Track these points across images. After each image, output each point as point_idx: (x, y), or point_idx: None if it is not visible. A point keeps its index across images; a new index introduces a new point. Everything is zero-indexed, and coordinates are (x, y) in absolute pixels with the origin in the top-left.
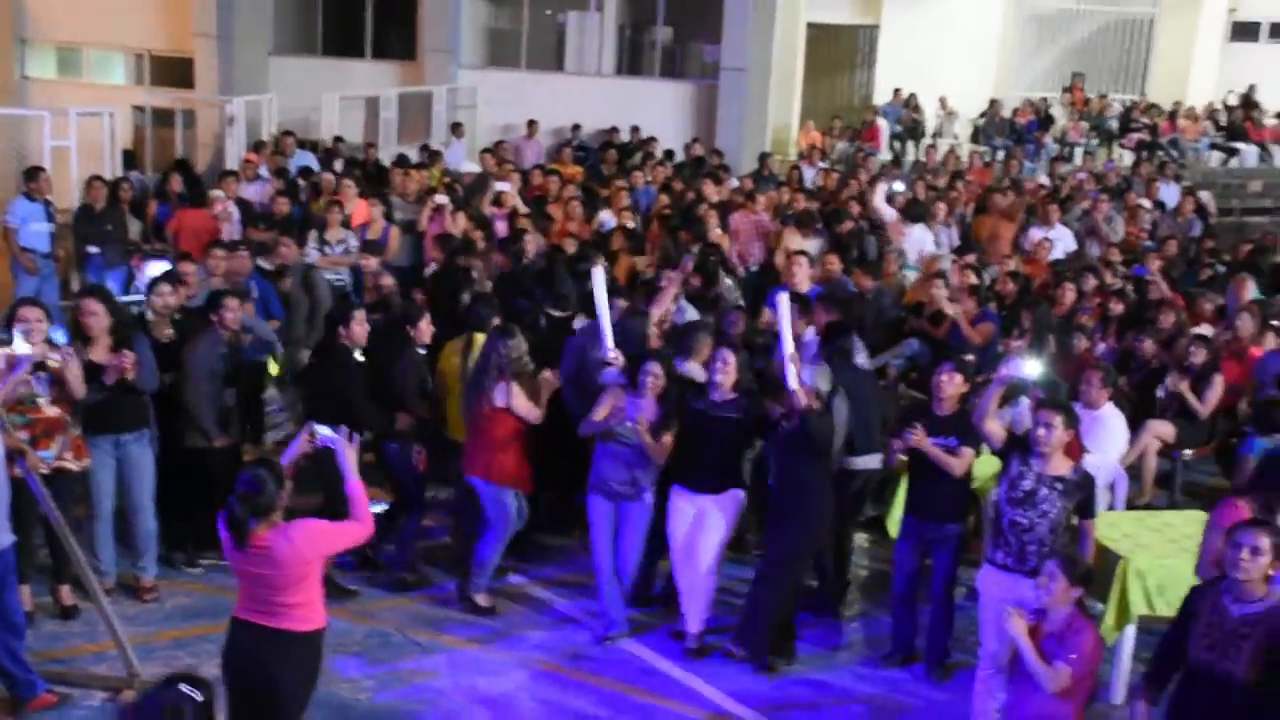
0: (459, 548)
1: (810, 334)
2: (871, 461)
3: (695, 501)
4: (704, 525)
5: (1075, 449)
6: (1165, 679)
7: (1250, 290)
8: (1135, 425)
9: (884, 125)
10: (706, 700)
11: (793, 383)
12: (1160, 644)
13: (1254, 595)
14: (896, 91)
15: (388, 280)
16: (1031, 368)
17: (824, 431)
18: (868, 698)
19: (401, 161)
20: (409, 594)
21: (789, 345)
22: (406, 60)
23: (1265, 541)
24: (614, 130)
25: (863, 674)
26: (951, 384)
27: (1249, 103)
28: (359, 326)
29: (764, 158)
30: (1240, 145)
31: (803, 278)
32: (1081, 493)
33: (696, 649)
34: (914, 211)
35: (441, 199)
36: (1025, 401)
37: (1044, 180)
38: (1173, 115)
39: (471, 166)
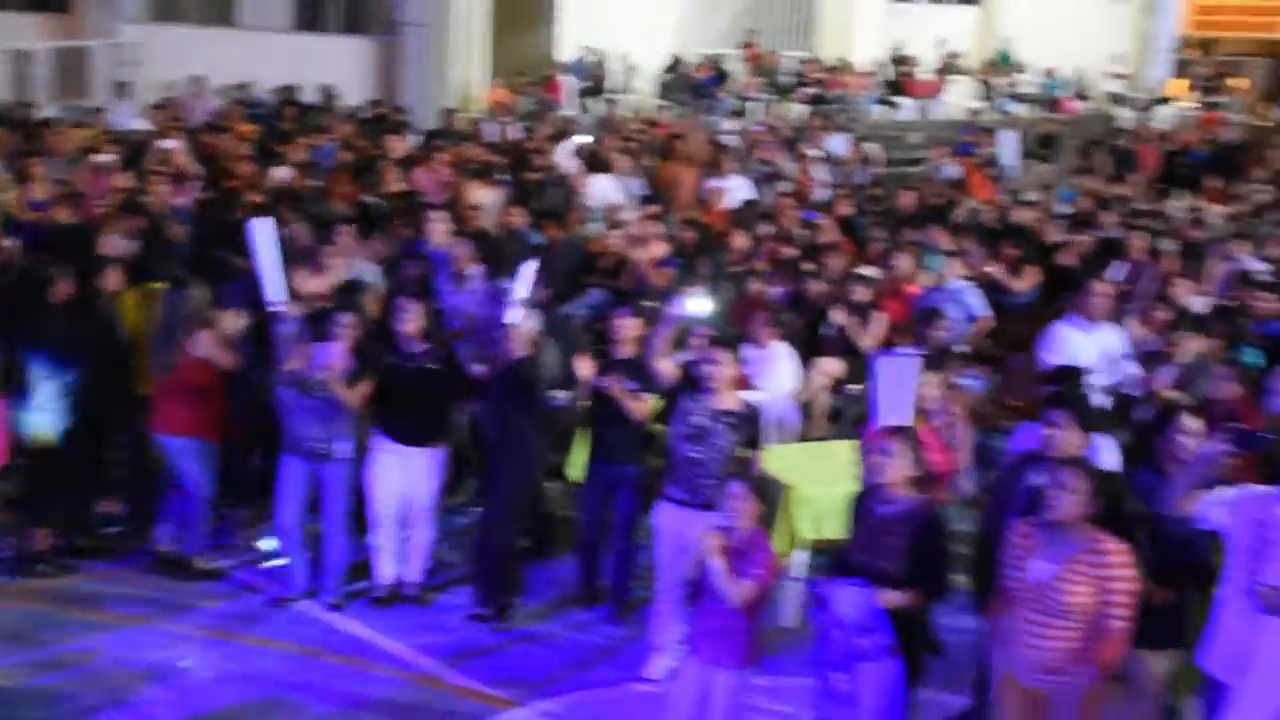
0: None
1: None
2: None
3: (399, 453)
4: (411, 478)
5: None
6: None
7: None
8: (805, 362)
9: (568, 81)
10: (393, 656)
11: (512, 326)
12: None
13: (895, 496)
14: (580, 48)
15: (7, 241)
16: (697, 306)
17: (538, 378)
18: (553, 639)
19: (53, 121)
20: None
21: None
22: (60, 12)
23: (898, 445)
24: (293, 88)
25: (548, 616)
26: (629, 328)
27: (902, 59)
28: None
29: (449, 114)
30: (900, 99)
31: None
32: (750, 426)
33: (385, 598)
34: (597, 163)
35: (104, 157)
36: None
37: (725, 131)
38: (835, 70)
39: (140, 125)
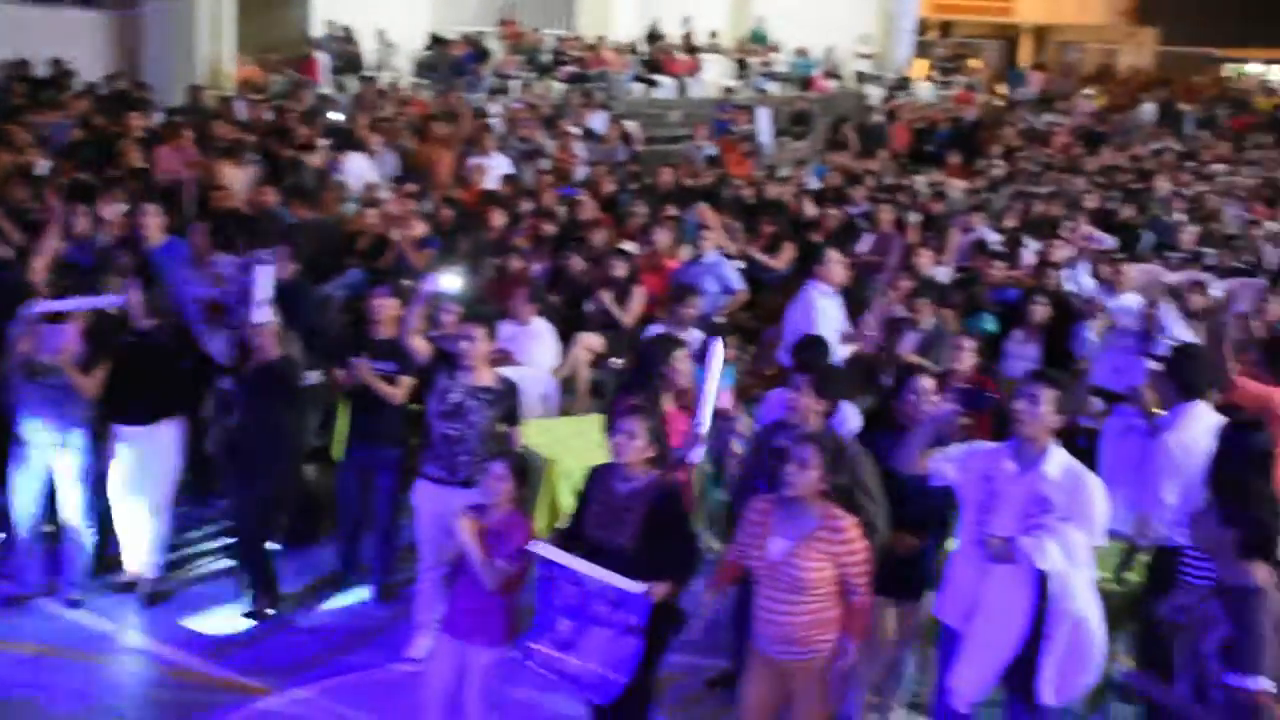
0: None
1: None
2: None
3: (130, 435)
4: (143, 460)
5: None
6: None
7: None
8: (567, 339)
9: (322, 59)
10: (141, 650)
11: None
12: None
13: (635, 474)
14: (329, 24)
15: None
16: (449, 283)
17: (293, 375)
18: (315, 624)
19: None
20: None
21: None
22: None
23: (638, 426)
24: (24, 63)
25: (309, 601)
26: (387, 308)
27: (655, 36)
28: None
29: (195, 91)
30: (660, 78)
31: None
32: (507, 402)
33: (126, 588)
34: (351, 141)
35: None
36: None
37: (489, 112)
38: (594, 48)
39: None
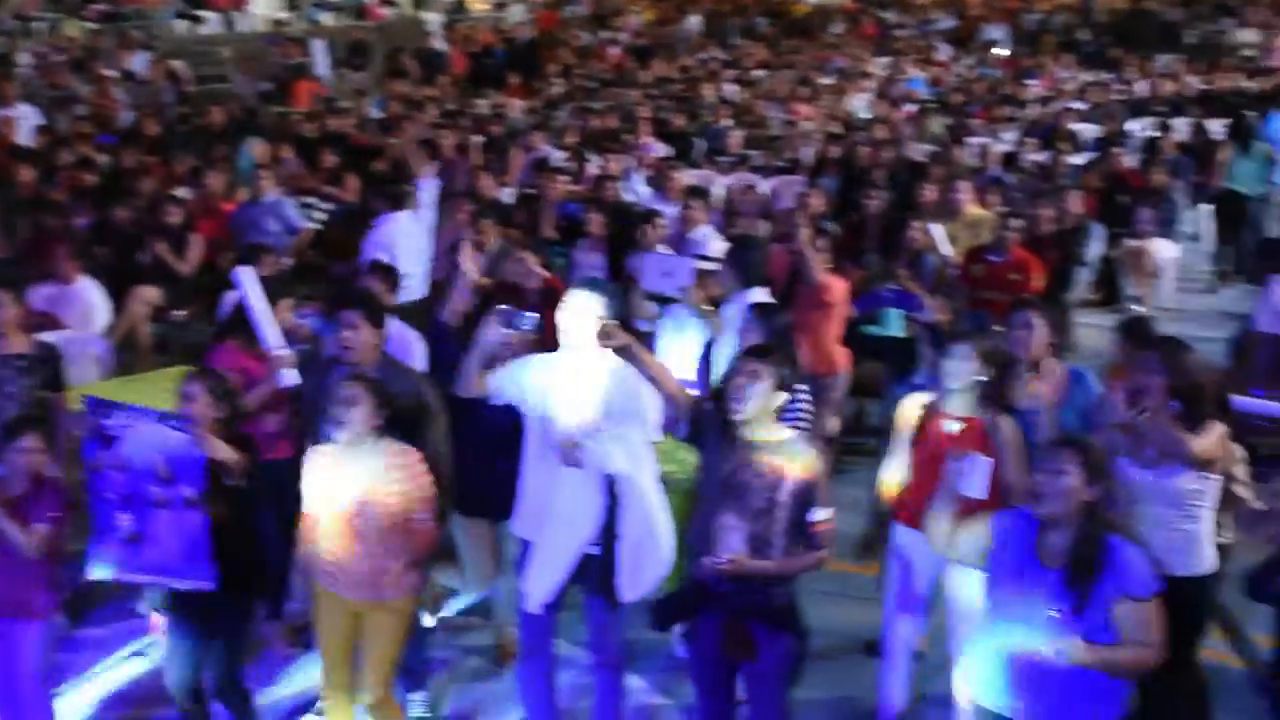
0: None
1: None
2: None
3: None
4: None
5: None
6: None
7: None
8: (121, 294)
9: None
10: None
11: None
12: None
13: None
14: None
15: None
16: None
17: None
18: None
19: None
20: None
21: None
22: None
23: (199, 387)
24: None
25: None
26: None
27: None
28: None
29: None
30: (204, 13)
31: None
32: (46, 368)
33: None
34: None
35: None
36: None
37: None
38: None
39: None
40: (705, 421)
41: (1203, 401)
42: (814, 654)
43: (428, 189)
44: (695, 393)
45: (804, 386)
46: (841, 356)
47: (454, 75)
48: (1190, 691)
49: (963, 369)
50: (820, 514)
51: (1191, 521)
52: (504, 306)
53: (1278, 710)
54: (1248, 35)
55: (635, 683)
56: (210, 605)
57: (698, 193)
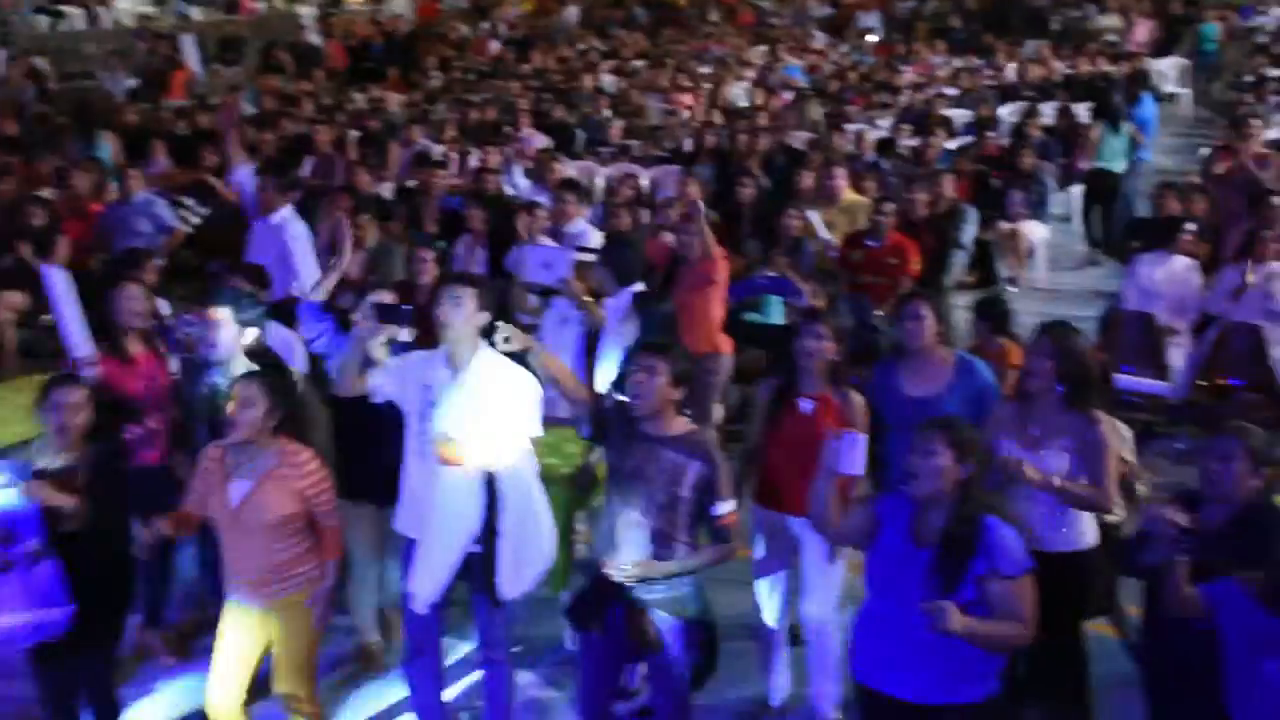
0: None
1: None
2: None
3: None
4: None
5: None
6: None
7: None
8: None
9: None
10: None
11: None
12: None
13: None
14: None
15: None
16: None
17: None
18: None
19: None
20: None
21: None
22: None
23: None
24: None
25: None
26: None
27: None
28: None
29: None
30: (66, 9)
31: None
32: None
33: None
34: None
35: None
36: None
37: None
38: None
39: None
40: (607, 419)
41: (1090, 385)
42: (722, 641)
43: (245, 180)
44: (597, 391)
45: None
46: (724, 338)
47: (330, 69)
48: (1071, 663)
49: (815, 348)
50: (725, 506)
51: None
52: (379, 301)
53: (1148, 676)
54: (1109, 20)
55: (526, 677)
56: (74, 636)
57: (571, 185)
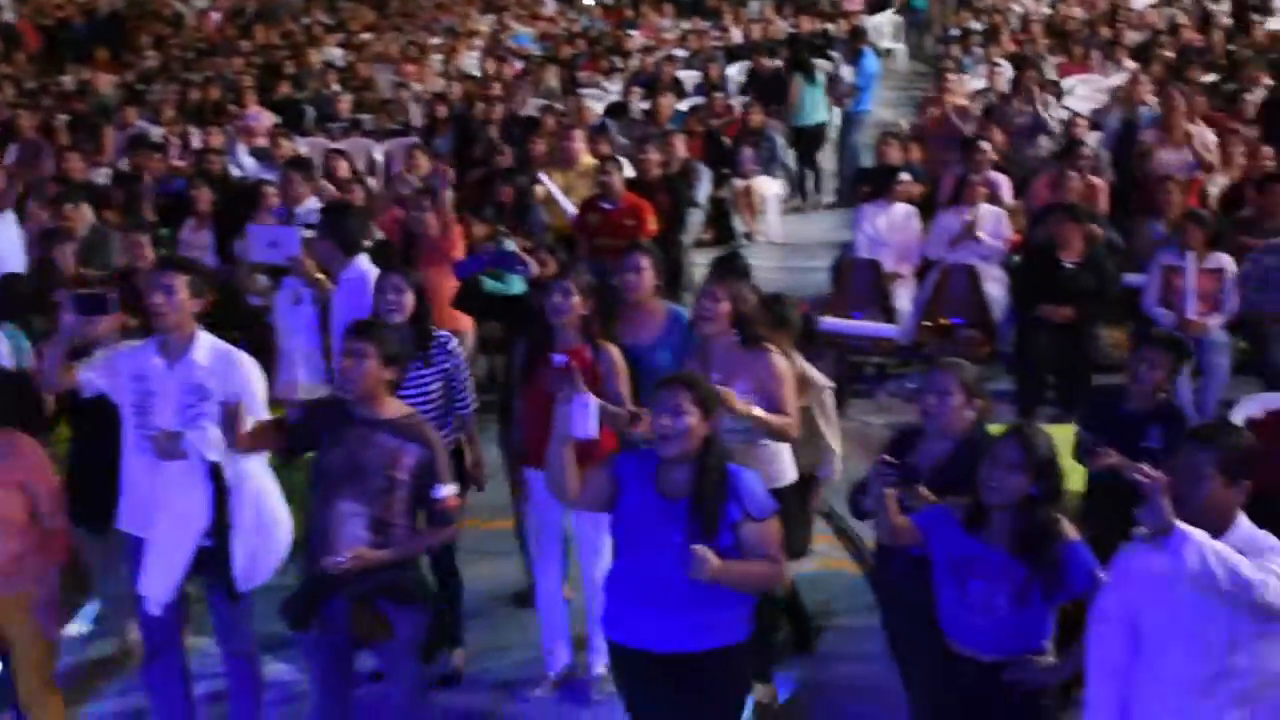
0: None
1: None
2: None
3: None
4: None
5: None
6: None
7: None
8: None
9: None
10: None
11: None
12: None
13: None
14: None
15: None
16: None
17: None
18: None
19: None
20: None
21: None
22: None
23: None
24: None
25: None
26: None
27: None
28: None
29: None
30: None
31: None
32: None
33: None
34: None
35: None
36: None
37: None
38: None
39: None
40: (316, 413)
41: (753, 326)
42: (466, 614)
43: None
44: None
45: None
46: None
47: (29, 51)
48: (775, 599)
49: (564, 304)
50: (445, 490)
51: (750, 440)
52: (80, 291)
53: (883, 604)
54: None
55: (277, 669)
56: None
57: (299, 163)
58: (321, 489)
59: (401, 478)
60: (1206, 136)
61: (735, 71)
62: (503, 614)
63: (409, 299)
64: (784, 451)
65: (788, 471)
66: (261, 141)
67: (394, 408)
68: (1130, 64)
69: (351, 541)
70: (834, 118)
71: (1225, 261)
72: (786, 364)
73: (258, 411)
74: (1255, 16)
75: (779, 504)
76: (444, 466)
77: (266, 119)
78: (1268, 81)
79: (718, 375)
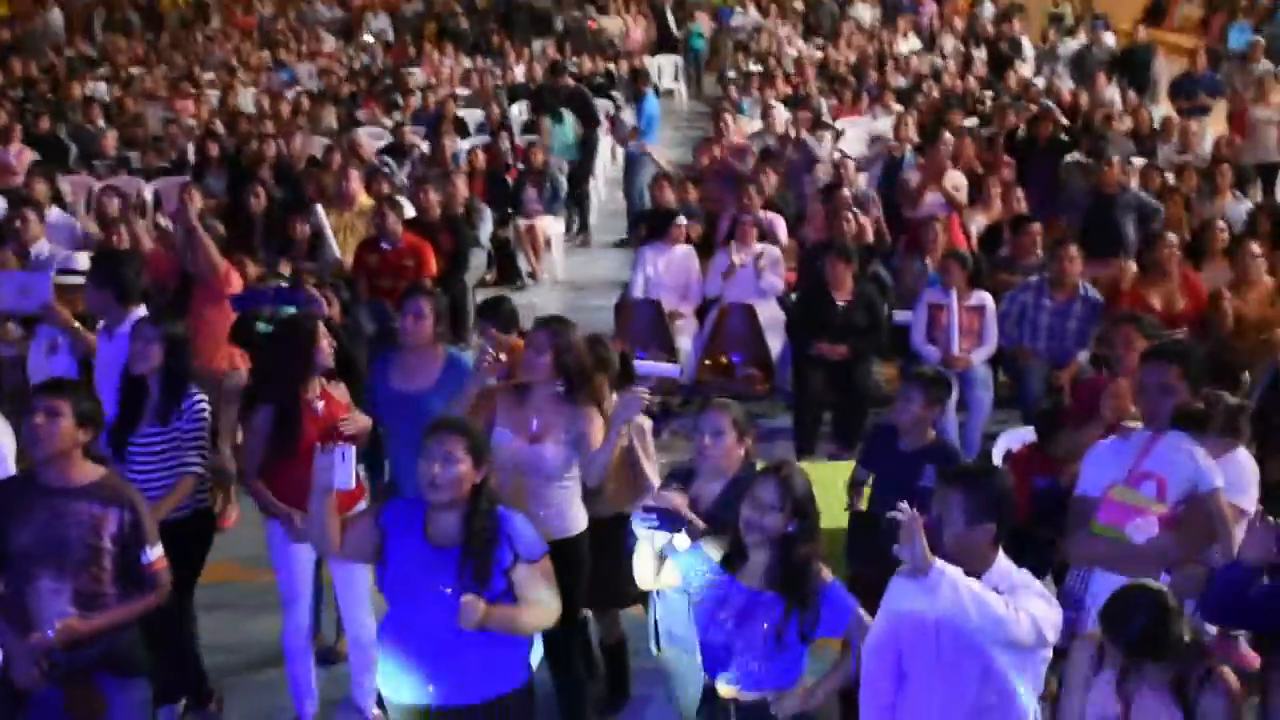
0: None
1: None
2: None
3: None
4: None
5: None
6: None
7: None
8: None
9: None
10: None
11: None
12: None
13: None
14: None
15: None
16: None
17: None
18: None
19: None
20: None
21: None
22: None
23: None
24: None
25: None
26: None
27: None
28: None
29: None
30: None
31: None
32: None
33: None
34: None
35: None
36: None
37: None
38: None
39: None
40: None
41: (586, 378)
42: (233, 670)
43: None
44: None
45: (198, 393)
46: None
47: None
48: (581, 643)
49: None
50: (152, 552)
51: (563, 489)
52: None
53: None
54: (611, 23)
55: None
56: None
57: (30, 202)
58: (13, 571)
59: (105, 546)
60: (956, 178)
61: (518, 111)
62: (272, 672)
63: (155, 350)
64: (572, 501)
65: (579, 521)
66: (18, 181)
67: (88, 471)
68: (897, 107)
69: (57, 619)
70: (617, 158)
71: (986, 299)
72: (601, 421)
73: (7, 470)
74: (1010, 64)
75: (573, 552)
76: (150, 528)
77: (27, 156)
78: (1019, 125)
79: (535, 426)
